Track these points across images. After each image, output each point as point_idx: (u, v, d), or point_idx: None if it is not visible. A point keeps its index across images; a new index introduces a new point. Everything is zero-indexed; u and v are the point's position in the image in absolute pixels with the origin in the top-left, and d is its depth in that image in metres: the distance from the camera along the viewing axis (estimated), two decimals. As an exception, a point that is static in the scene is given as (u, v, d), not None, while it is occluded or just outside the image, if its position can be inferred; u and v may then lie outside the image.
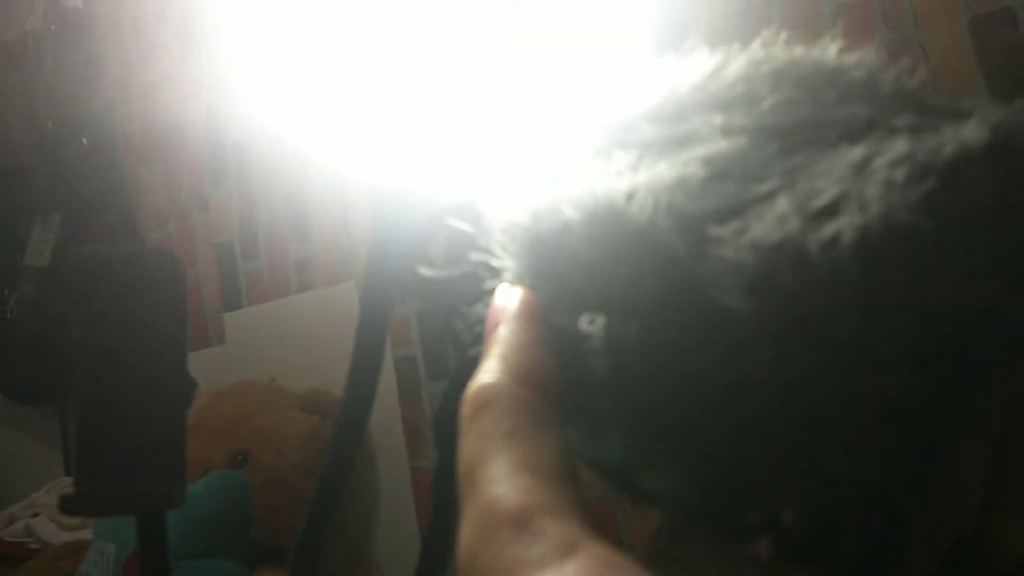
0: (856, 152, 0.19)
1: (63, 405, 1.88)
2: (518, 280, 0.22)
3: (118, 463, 0.30)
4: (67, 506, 0.30)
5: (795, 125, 0.20)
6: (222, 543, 1.22)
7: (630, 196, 0.19)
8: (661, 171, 0.20)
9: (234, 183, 1.73)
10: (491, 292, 0.26)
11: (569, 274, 0.20)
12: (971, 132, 0.19)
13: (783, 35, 0.23)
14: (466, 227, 0.26)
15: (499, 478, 0.18)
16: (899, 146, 0.19)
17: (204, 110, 1.79)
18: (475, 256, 0.27)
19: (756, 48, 0.23)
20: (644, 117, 0.22)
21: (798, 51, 0.23)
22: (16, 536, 1.52)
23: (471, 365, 0.30)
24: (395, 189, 0.36)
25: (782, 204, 0.18)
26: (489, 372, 0.21)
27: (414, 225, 0.34)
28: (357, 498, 1.51)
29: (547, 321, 0.21)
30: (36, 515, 1.55)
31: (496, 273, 0.25)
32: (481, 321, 0.26)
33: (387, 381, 1.53)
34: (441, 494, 0.36)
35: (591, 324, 0.20)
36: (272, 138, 1.69)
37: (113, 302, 0.31)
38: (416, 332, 1.51)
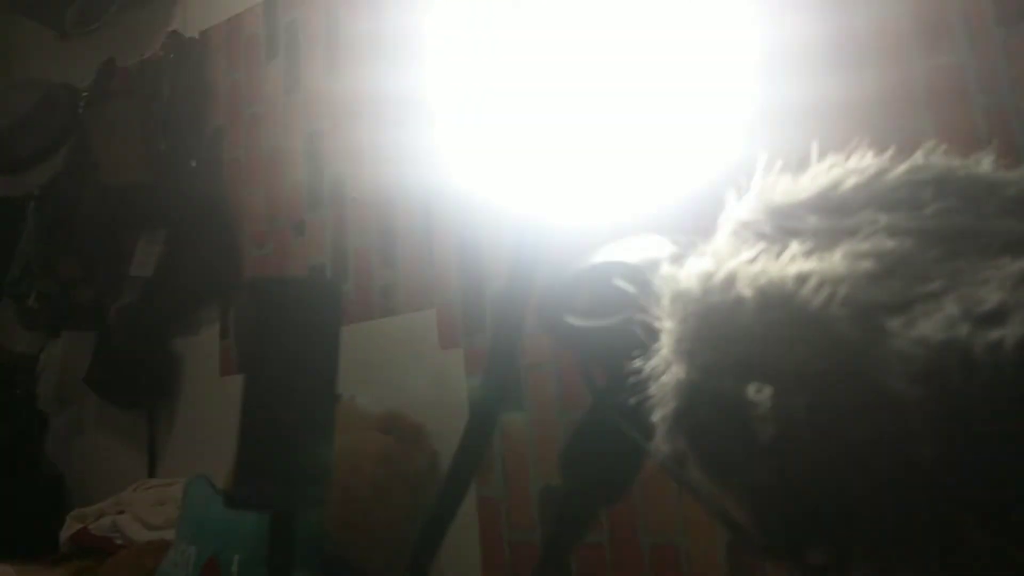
0: (1018, 265, 0.22)
1: (153, 410, 1.98)
2: (676, 343, 0.26)
3: (276, 468, 0.34)
4: (230, 501, 0.34)
5: (956, 232, 0.23)
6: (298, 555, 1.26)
7: (802, 281, 0.22)
8: (835, 262, 0.23)
9: (329, 209, 1.82)
10: (644, 346, 0.29)
11: (736, 344, 0.23)
12: None
13: (942, 146, 0.26)
14: (629, 286, 0.29)
15: None
16: None
17: (304, 141, 1.89)
18: (629, 312, 0.30)
19: (918, 155, 0.26)
20: (807, 207, 0.25)
21: (956, 162, 0.26)
22: (103, 531, 1.60)
23: (614, 410, 0.33)
24: (544, 238, 0.39)
25: (950, 306, 0.21)
26: None
27: (563, 274, 0.37)
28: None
29: (706, 384, 0.24)
30: (122, 512, 1.63)
31: (651, 331, 0.28)
32: (636, 372, 0.30)
33: (459, 410, 1.57)
34: (563, 515, 0.38)
35: (759, 393, 0.22)
36: (366, 170, 1.78)
37: (287, 321, 0.36)
38: (491, 362, 1.55)
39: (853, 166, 0.26)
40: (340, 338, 0.35)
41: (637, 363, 0.32)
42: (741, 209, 0.27)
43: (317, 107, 1.89)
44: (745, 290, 0.24)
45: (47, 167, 2.10)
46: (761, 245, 0.25)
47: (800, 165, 0.27)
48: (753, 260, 0.24)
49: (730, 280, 0.24)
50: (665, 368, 0.27)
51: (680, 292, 0.25)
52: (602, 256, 0.36)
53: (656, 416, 0.28)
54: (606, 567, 1.35)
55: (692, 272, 0.25)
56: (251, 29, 2.05)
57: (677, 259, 0.29)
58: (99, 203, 1.96)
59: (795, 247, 0.24)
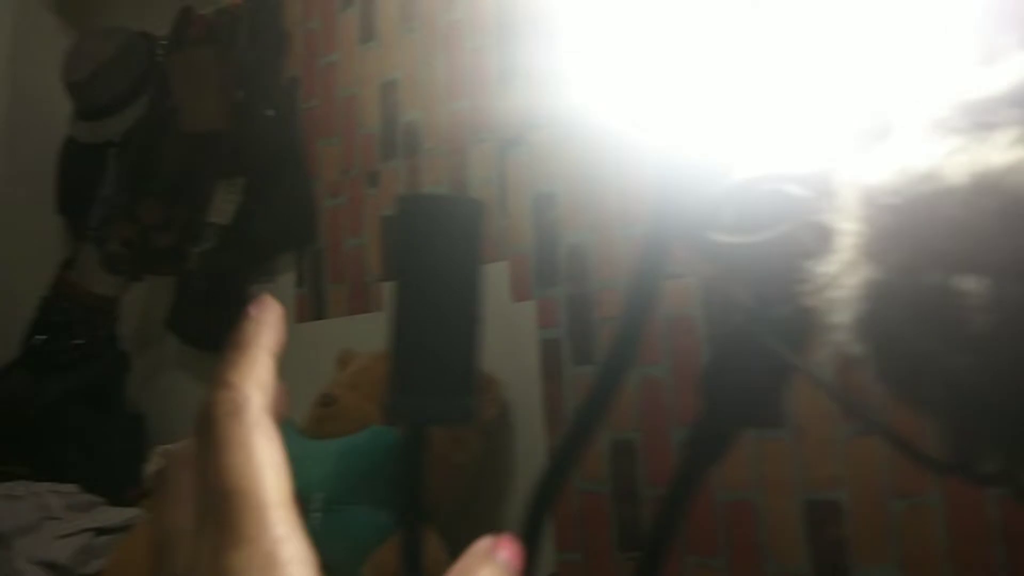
0: None
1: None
2: (866, 244, 0.25)
3: (432, 380, 0.34)
4: (389, 415, 0.34)
5: None
6: (375, 494, 1.30)
7: (1020, 168, 0.21)
8: None
9: (402, 159, 1.82)
10: (814, 252, 0.28)
11: (942, 238, 0.22)
12: None
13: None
14: (798, 191, 0.28)
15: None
16: None
17: (378, 90, 1.89)
18: (788, 224, 0.29)
19: None
20: (1005, 101, 0.23)
21: None
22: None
23: (763, 328, 0.32)
24: (685, 155, 0.38)
25: None
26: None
27: (703, 191, 0.36)
28: (494, 477, 1.57)
29: (903, 282, 0.23)
30: (205, 450, 1.69)
31: (823, 238, 0.27)
32: (797, 284, 0.29)
33: (530, 362, 1.58)
34: (700, 437, 0.38)
35: (975, 284, 0.21)
36: (440, 120, 1.77)
37: (436, 237, 0.36)
38: (564, 315, 1.55)
39: None
40: (481, 256, 0.35)
41: (799, 274, 0.31)
42: (930, 106, 0.25)
43: (391, 56, 1.89)
44: (956, 179, 0.22)
45: (127, 114, 2.15)
46: (959, 139, 0.24)
47: (987, 62, 0.25)
48: (958, 150, 0.23)
49: (934, 171, 0.23)
50: (847, 273, 0.26)
51: (872, 188, 0.24)
52: (749, 169, 0.34)
53: (834, 323, 0.28)
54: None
55: (886, 167, 0.24)
56: (327, -24, 2.05)
57: (842, 164, 0.28)
58: (178, 150, 2.00)
59: (1003, 137, 0.23)
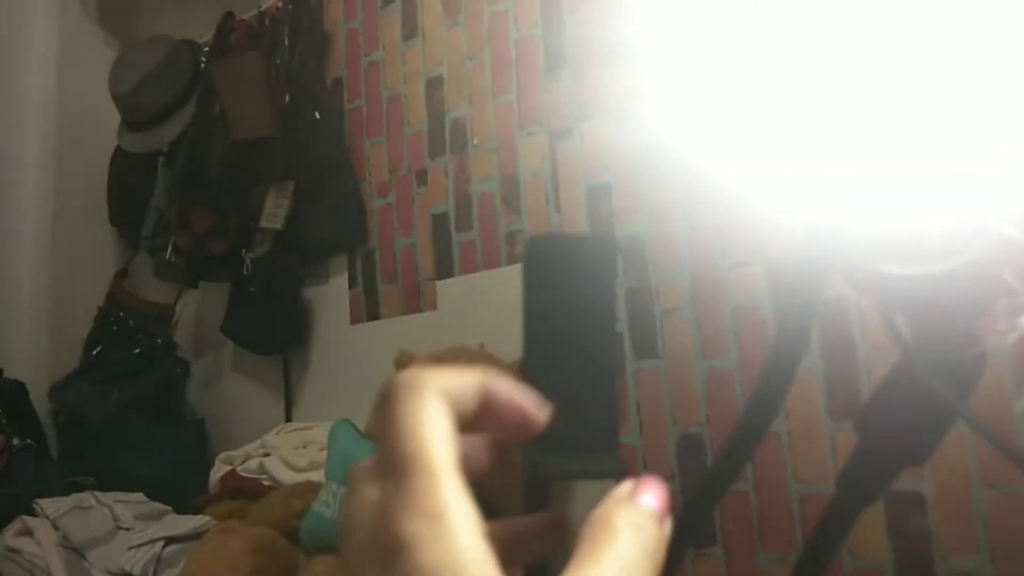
0: None
1: (287, 357, 2.05)
2: None
3: (577, 434, 0.32)
4: (534, 475, 0.32)
5: None
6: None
7: None
8: None
9: (450, 156, 1.81)
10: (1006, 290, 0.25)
11: None
12: None
13: None
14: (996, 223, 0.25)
15: None
16: None
17: (424, 87, 1.87)
18: (964, 259, 0.26)
19: None
20: None
21: None
22: (250, 473, 1.68)
23: (925, 367, 0.29)
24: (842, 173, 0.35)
25: None
26: None
27: (866, 214, 0.33)
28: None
29: None
30: (267, 455, 1.70)
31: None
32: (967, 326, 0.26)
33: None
34: (853, 474, 0.35)
35: None
36: (487, 115, 1.75)
37: (569, 280, 0.33)
38: (624, 309, 1.52)
39: None
40: (616, 298, 0.32)
41: (978, 312, 0.28)
42: None
43: (435, 52, 1.87)
44: None
45: (175, 123, 2.16)
46: None
47: None
48: None
49: None
50: None
51: None
52: (937, 200, 0.31)
53: None
54: (751, 515, 1.32)
55: None
56: (367, -25, 2.03)
57: None
58: (228, 157, 2.01)
59: None
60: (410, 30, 1.92)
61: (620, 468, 0.32)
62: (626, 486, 0.28)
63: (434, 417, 0.25)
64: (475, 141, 1.77)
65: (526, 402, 0.28)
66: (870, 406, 0.35)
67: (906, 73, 0.34)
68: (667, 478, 1.44)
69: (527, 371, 0.34)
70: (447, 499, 0.24)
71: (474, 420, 0.28)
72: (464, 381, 0.27)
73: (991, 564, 1.14)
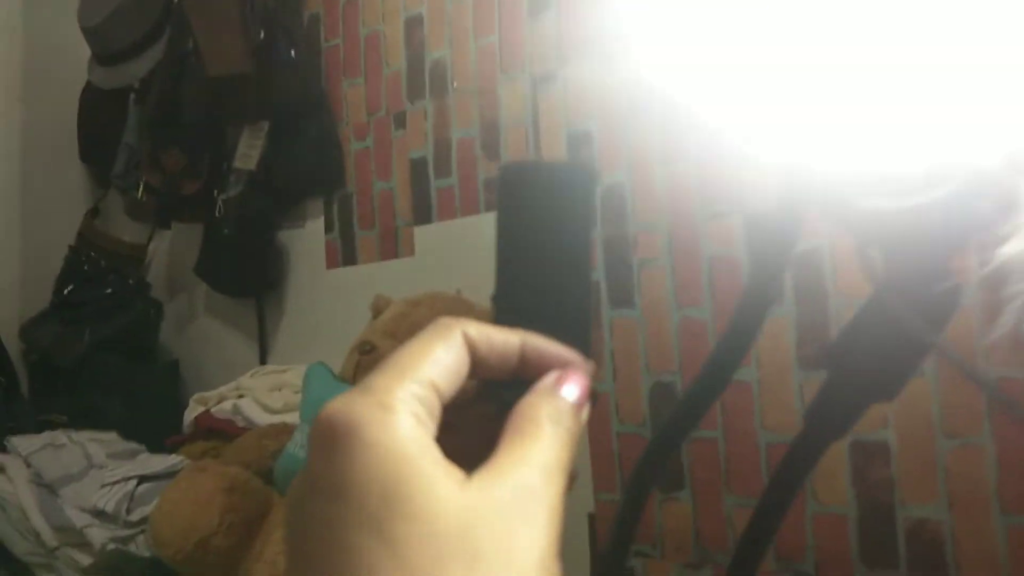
0: None
1: (262, 300, 2.03)
2: None
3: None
4: (495, 407, 0.33)
5: None
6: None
7: None
8: None
9: (431, 100, 1.78)
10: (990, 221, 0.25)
11: None
12: None
13: None
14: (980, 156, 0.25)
15: None
16: None
17: (403, 27, 1.83)
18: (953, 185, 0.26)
19: None
20: None
21: None
22: (224, 414, 1.68)
23: (899, 301, 0.29)
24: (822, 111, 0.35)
25: None
26: None
27: (847, 149, 0.33)
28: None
29: None
30: (241, 396, 1.70)
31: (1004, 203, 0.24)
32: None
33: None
34: (823, 409, 0.36)
35: None
36: (468, 56, 1.72)
37: (540, 209, 0.33)
38: (601, 258, 1.52)
39: None
40: (593, 230, 0.32)
41: (958, 245, 0.28)
42: None
43: (415, -9, 1.82)
44: None
45: (146, 59, 2.10)
46: None
47: None
48: None
49: None
50: None
51: None
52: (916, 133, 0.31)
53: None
54: (719, 461, 1.35)
55: None
56: (346, -92, 1.97)
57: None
58: (200, 95, 1.96)
59: None
60: (390, -33, 1.87)
61: (595, 393, 0.32)
62: (550, 377, 0.30)
63: (440, 346, 0.28)
64: (455, 84, 1.74)
65: (572, 358, 0.30)
66: (840, 339, 0.35)
67: (882, 10, 0.33)
68: (639, 425, 1.46)
69: (499, 300, 0.33)
70: (400, 396, 0.25)
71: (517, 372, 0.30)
72: (502, 335, 0.29)
73: (949, 512, 1.17)
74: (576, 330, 0.33)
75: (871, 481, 1.23)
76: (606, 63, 1.50)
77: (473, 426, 0.31)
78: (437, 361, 0.27)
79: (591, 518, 1.50)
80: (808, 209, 0.34)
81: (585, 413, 0.30)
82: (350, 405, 0.25)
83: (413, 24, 1.82)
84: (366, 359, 1.39)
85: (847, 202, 0.33)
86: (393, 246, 1.82)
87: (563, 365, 0.30)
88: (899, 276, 0.32)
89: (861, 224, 0.32)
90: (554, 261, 0.33)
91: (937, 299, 0.32)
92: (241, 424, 1.64)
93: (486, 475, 0.25)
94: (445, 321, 0.29)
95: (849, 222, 0.33)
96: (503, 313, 0.34)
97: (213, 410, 1.70)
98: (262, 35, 1.90)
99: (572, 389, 0.29)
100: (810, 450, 0.37)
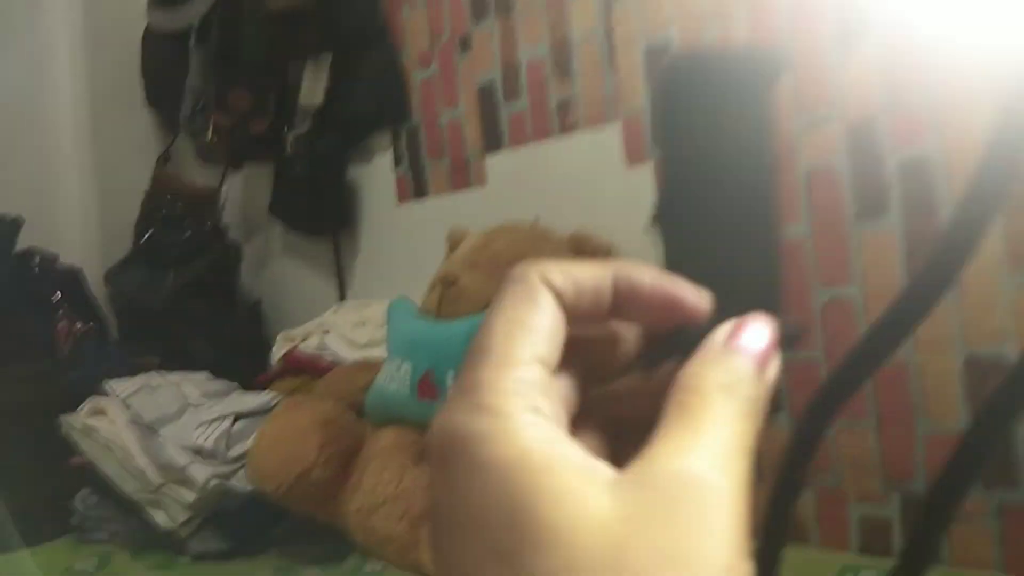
0: None
1: (336, 237, 2.03)
2: None
3: (728, 306, 0.27)
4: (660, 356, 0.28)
5: None
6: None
7: None
8: None
9: (495, 20, 1.70)
10: None
11: None
12: None
13: None
14: None
15: None
16: None
17: (463, -56, 1.75)
18: None
19: None
20: None
21: None
22: (311, 350, 1.69)
23: None
24: None
25: None
26: None
27: None
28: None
29: None
30: (327, 332, 1.71)
31: None
32: None
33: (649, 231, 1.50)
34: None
35: None
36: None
37: (716, 113, 0.28)
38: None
39: None
40: (775, 134, 0.27)
41: None
42: None
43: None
44: None
45: (203, -2, 2.07)
46: None
47: None
48: None
49: None
50: None
51: None
52: None
53: None
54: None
55: None
56: None
57: None
58: (261, 31, 1.93)
59: None
60: None
61: (794, 333, 0.27)
62: (722, 331, 0.24)
63: (528, 308, 0.23)
64: (521, 4, 1.66)
65: (679, 289, 0.25)
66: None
67: None
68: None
69: (664, 230, 0.29)
70: (510, 391, 0.21)
71: (618, 312, 0.25)
72: (588, 272, 0.24)
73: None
74: (763, 265, 0.28)
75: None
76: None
77: (621, 402, 0.26)
78: (534, 329, 0.23)
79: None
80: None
81: (772, 371, 0.24)
82: (456, 417, 0.21)
83: (476, -59, 1.73)
84: (448, 293, 1.37)
85: None
86: (465, 176, 1.79)
87: (675, 303, 0.24)
88: None
89: None
90: (733, 177, 0.28)
91: None
92: (328, 360, 1.65)
93: (641, 471, 0.21)
94: (519, 273, 0.24)
95: None
96: (671, 237, 0.29)
97: (300, 347, 1.72)
98: (319, -36, 1.85)
99: (751, 341, 0.24)
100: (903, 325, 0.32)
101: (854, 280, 1.25)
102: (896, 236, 1.21)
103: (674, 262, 0.27)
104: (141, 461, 1.50)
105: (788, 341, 0.25)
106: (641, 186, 1.49)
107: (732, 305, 0.26)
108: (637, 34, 1.49)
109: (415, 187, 1.89)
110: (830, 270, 1.28)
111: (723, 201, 0.28)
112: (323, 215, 1.96)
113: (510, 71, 1.69)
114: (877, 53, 1.20)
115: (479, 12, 1.73)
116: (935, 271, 0.32)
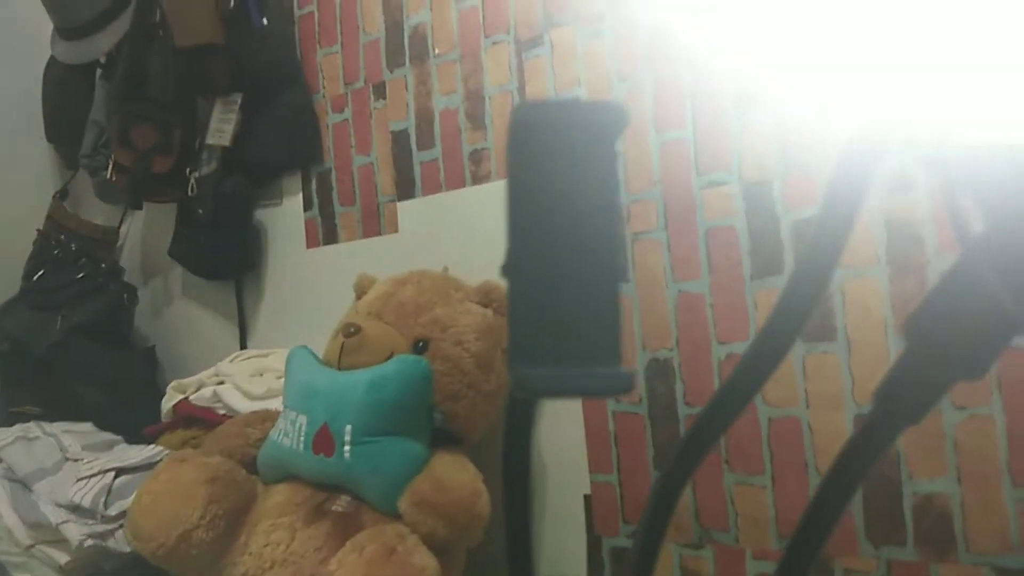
0: None
1: (240, 282, 1.96)
2: None
3: (570, 343, 0.26)
4: (518, 388, 0.26)
5: None
6: (408, 424, 1.24)
7: None
8: None
9: (411, 68, 1.70)
10: None
11: None
12: None
13: None
14: None
15: None
16: None
17: (380, -8, 1.75)
18: None
19: None
20: None
21: None
22: (204, 401, 1.61)
23: (987, 265, 0.24)
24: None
25: None
26: None
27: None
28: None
29: None
30: (222, 383, 1.63)
31: None
32: None
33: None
34: (900, 386, 0.30)
35: None
36: (450, 21, 1.64)
37: (563, 159, 0.27)
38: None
39: None
40: (620, 178, 0.26)
41: None
42: None
43: (393, -45, 1.73)
44: None
45: (112, 31, 2.01)
46: None
47: None
48: None
49: None
50: None
51: None
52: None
53: None
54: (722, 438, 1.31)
55: None
56: None
57: None
58: (170, 68, 1.87)
59: None
60: (365, -71, 1.78)
61: (624, 383, 0.26)
62: None
63: None
64: (436, 52, 1.66)
65: None
66: (923, 307, 0.30)
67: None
68: (635, 404, 1.42)
69: (511, 268, 0.28)
70: None
71: None
72: None
73: (958, 484, 1.14)
74: (603, 305, 0.27)
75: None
76: (594, 26, 1.43)
77: None
78: None
79: (587, 499, 1.46)
80: (891, 139, 0.28)
81: None
82: None
83: (391, -11, 1.73)
84: (350, 342, 1.33)
85: (935, 137, 0.27)
86: (376, 223, 1.76)
87: None
88: (995, 232, 0.27)
89: (952, 166, 0.27)
90: (577, 220, 0.27)
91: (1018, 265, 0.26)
92: (222, 412, 1.57)
93: None
94: None
95: (938, 163, 0.27)
96: (517, 286, 0.28)
97: (192, 398, 1.63)
98: (232, 3, 1.81)
99: None
100: (880, 436, 0.32)
101: (750, 337, 1.27)
102: (881, 289, 1.23)
103: (518, 311, 0.27)
104: (10, 519, 1.39)
105: (618, 390, 0.25)
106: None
107: (571, 354, 0.26)
108: (547, 90, 1.50)
109: (325, 232, 1.85)
110: (728, 326, 1.30)
111: (566, 250, 0.27)
112: (226, 259, 1.90)
113: (424, 120, 1.68)
114: (772, 120, 1.24)
115: (394, 60, 1.73)
116: (773, 337, 0.31)
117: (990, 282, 0.27)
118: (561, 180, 0.28)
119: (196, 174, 1.87)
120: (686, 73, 1.33)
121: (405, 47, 1.71)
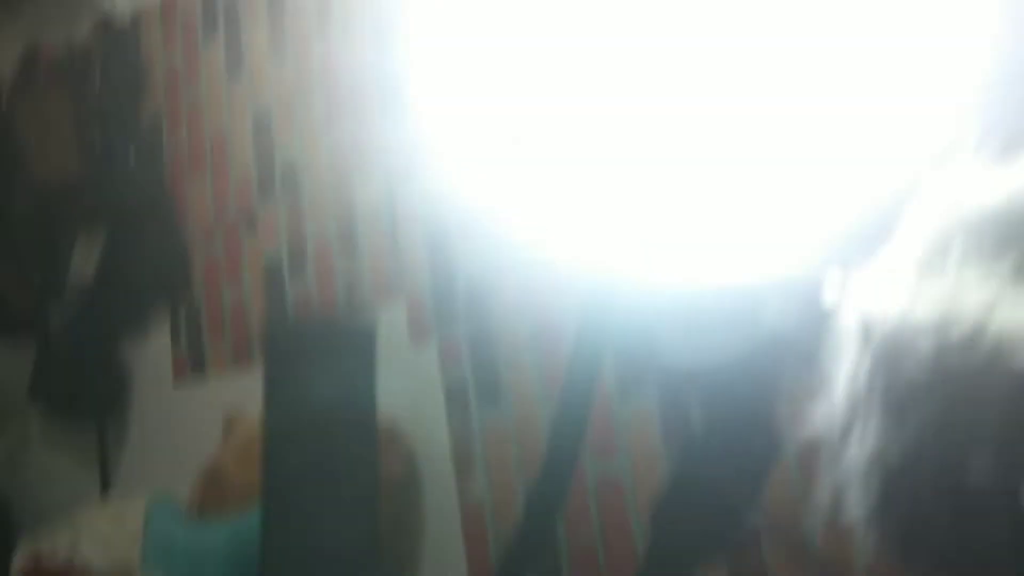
0: None
1: (103, 422, 1.85)
2: (886, 393, 0.19)
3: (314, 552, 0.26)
4: None
5: None
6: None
7: None
8: None
9: (282, 200, 1.70)
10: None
11: (972, 406, 0.17)
12: None
13: None
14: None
15: None
16: None
17: (251, 125, 1.76)
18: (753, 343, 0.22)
19: None
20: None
21: None
22: (60, 558, 1.49)
23: (714, 465, 0.26)
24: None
25: None
26: None
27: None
28: (404, 535, 1.46)
29: (932, 443, 0.19)
30: (78, 536, 1.51)
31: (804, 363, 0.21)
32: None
33: (435, 408, 1.48)
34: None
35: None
36: (320, 155, 1.67)
37: (316, 379, 0.27)
38: (467, 355, 1.47)
39: None
40: (375, 399, 0.27)
41: (764, 402, 0.25)
42: (936, 216, 0.20)
43: (263, 89, 1.76)
44: (1009, 350, 0.18)
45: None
46: (993, 274, 0.19)
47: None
48: (1000, 302, 0.18)
49: (978, 333, 0.17)
50: (857, 416, 0.21)
51: (895, 338, 0.19)
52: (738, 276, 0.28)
53: (851, 497, 0.22)
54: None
55: (921, 315, 0.19)
56: (186, 5, 1.90)
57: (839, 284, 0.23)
58: (32, 202, 1.82)
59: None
60: (235, 65, 1.81)
61: None
62: None
63: None
64: (308, 184, 1.68)
65: None
66: (662, 501, 0.31)
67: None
68: (515, 528, 1.39)
69: (267, 493, 0.27)
70: None
71: None
72: None
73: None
74: (359, 532, 0.27)
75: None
76: (463, 157, 1.48)
77: None
78: None
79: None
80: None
81: None
82: None
83: (262, 122, 1.75)
84: (214, 487, 1.27)
85: (655, 361, 0.29)
86: (247, 355, 1.71)
87: None
88: (716, 433, 0.29)
89: (675, 382, 0.29)
90: (332, 445, 0.27)
91: (754, 457, 0.28)
92: (79, 570, 1.45)
93: None
94: None
95: (661, 379, 0.29)
96: (271, 523, 0.27)
97: (45, 557, 1.50)
98: (98, 138, 1.79)
99: None
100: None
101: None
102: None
103: (273, 544, 0.26)
104: None
105: None
106: (426, 364, 1.49)
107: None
108: (420, 219, 1.53)
109: (193, 367, 1.78)
110: (531, 459, 1.31)
111: (320, 475, 0.27)
112: (88, 398, 1.80)
113: (296, 247, 1.68)
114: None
115: (265, 192, 1.73)
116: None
117: (715, 480, 0.28)
118: (312, 399, 0.28)
119: (57, 310, 1.79)
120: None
121: (276, 180, 1.71)
